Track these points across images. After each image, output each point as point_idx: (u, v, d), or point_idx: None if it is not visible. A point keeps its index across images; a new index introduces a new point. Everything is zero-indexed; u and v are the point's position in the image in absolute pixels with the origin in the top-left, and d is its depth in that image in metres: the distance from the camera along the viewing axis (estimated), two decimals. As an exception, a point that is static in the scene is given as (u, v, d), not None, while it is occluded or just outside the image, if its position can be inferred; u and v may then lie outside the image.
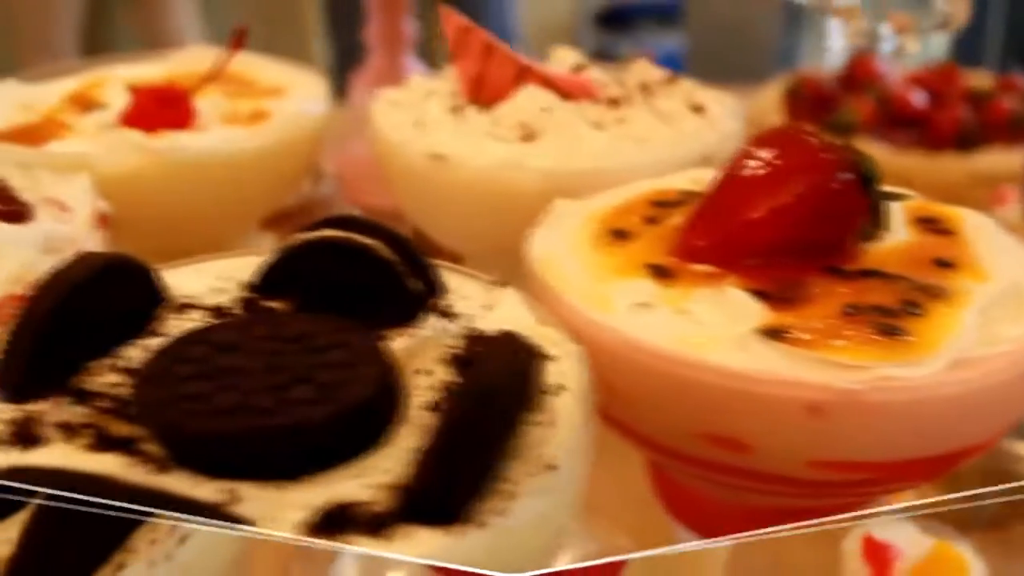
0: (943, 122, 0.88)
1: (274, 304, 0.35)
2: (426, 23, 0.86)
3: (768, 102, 0.96)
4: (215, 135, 0.57)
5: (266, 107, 0.61)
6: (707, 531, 0.44)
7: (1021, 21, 1.48)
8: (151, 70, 0.68)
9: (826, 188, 0.39)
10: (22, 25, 1.68)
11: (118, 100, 0.60)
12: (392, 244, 0.34)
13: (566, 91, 0.56)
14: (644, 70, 0.61)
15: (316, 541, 0.26)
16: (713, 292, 0.38)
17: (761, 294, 0.37)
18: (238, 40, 0.58)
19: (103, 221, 0.47)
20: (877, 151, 0.90)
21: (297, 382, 0.28)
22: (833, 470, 0.36)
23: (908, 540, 0.56)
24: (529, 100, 0.54)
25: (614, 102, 0.57)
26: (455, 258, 0.52)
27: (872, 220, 0.40)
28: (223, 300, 0.35)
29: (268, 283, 0.35)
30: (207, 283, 0.36)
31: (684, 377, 0.35)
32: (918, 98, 0.91)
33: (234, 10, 1.85)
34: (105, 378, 0.31)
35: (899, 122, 0.91)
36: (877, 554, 0.55)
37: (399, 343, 0.32)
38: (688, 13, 2.05)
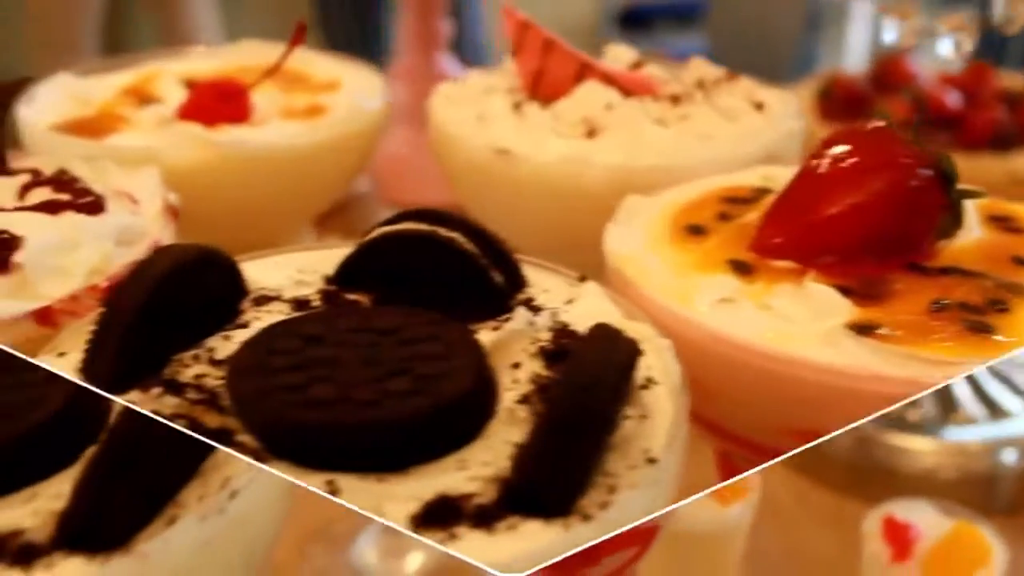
0: (979, 122, 0.88)
1: (355, 297, 0.35)
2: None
3: (801, 102, 0.96)
4: (274, 129, 0.56)
5: (322, 102, 0.61)
6: None
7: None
8: (203, 64, 0.68)
9: (906, 185, 0.39)
10: (41, 23, 1.68)
11: (174, 94, 0.60)
12: (473, 237, 0.34)
13: (627, 88, 0.56)
14: (701, 68, 0.61)
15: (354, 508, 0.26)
16: (795, 288, 0.38)
17: (845, 290, 0.37)
18: (298, 35, 0.58)
19: (173, 213, 0.47)
20: None
21: (394, 374, 0.28)
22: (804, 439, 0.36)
23: (928, 521, 0.57)
24: (591, 96, 0.54)
25: (675, 99, 0.57)
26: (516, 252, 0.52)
27: (951, 218, 0.40)
28: (305, 292, 0.35)
29: (349, 276, 0.35)
30: (287, 275, 0.36)
31: (774, 372, 0.35)
32: (952, 98, 0.91)
33: (252, 9, 1.85)
34: (194, 369, 0.31)
35: (934, 122, 0.91)
36: (897, 534, 0.56)
37: (487, 336, 0.32)
38: (710, 14, 2.04)
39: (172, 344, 0.31)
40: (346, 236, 0.73)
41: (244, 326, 0.33)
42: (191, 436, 0.27)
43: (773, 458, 0.41)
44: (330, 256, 0.37)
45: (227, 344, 0.32)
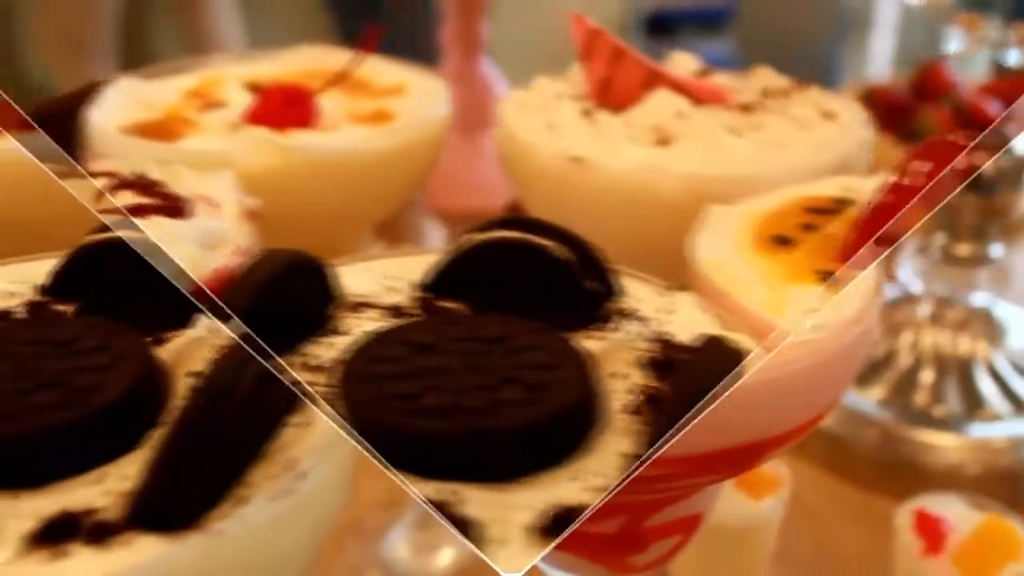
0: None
1: (449, 304, 0.34)
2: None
3: None
4: (343, 134, 0.56)
5: (388, 107, 0.60)
6: None
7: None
8: (266, 68, 0.67)
9: None
10: (53, 26, 1.66)
11: (238, 98, 0.60)
12: (567, 245, 0.34)
13: (698, 96, 0.55)
14: (766, 76, 0.61)
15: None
16: None
17: None
18: (370, 40, 0.59)
19: (252, 217, 0.47)
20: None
21: (505, 383, 0.28)
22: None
23: (959, 514, 0.58)
24: (662, 105, 0.54)
25: (747, 108, 0.56)
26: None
27: None
28: (399, 299, 0.35)
29: (442, 283, 0.35)
30: (376, 281, 0.36)
31: None
32: (993, 107, 0.92)
33: (274, 11, 1.84)
34: (296, 376, 0.30)
35: (975, 130, 0.93)
36: (929, 528, 0.57)
37: (589, 345, 0.32)
38: (740, 21, 2.08)
39: (275, 349, 0.30)
40: (392, 243, 0.72)
41: (341, 333, 0.33)
42: (256, 418, 0.27)
43: None
44: (414, 263, 0.36)
45: (324, 350, 0.32)
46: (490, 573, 0.25)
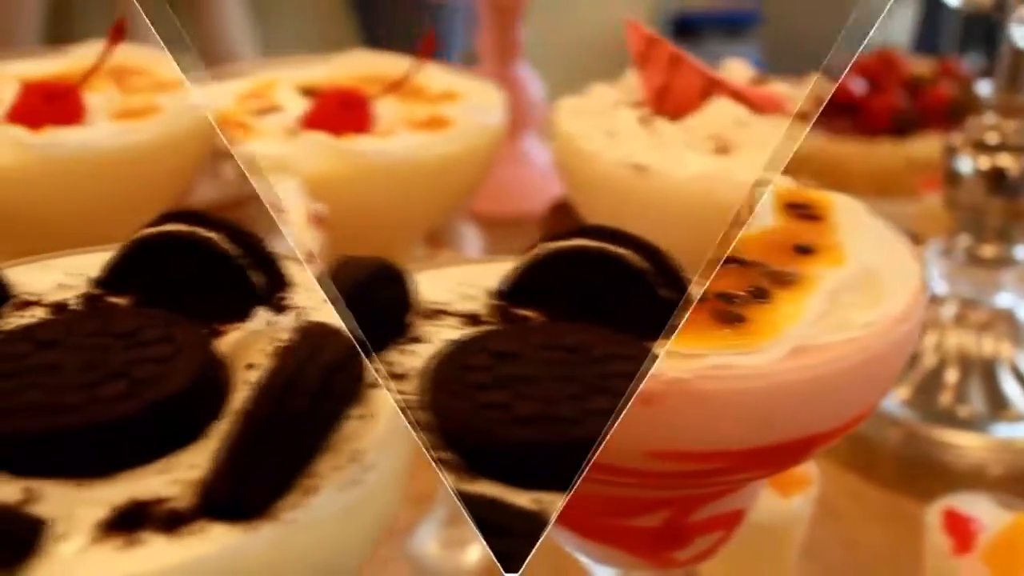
0: (878, 108, 0.88)
1: (526, 312, 0.35)
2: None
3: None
4: (401, 140, 0.57)
5: (444, 113, 0.61)
6: (572, 523, 0.43)
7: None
8: (317, 72, 0.68)
9: None
10: None
11: (294, 103, 0.60)
12: (643, 254, 0.34)
13: (756, 104, 0.55)
14: (820, 85, 0.62)
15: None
16: None
17: None
18: (427, 46, 0.60)
19: (319, 222, 0.47)
20: (812, 138, 0.87)
21: (591, 392, 0.29)
22: (672, 460, 0.35)
23: (988, 513, 0.57)
24: (721, 113, 0.54)
25: (804, 116, 0.57)
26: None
27: None
28: (475, 307, 0.35)
29: (517, 291, 0.35)
30: (451, 289, 0.36)
31: None
32: (856, 85, 0.91)
33: (286, 15, 1.84)
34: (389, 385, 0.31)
35: (837, 109, 0.91)
36: (959, 527, 0.56)
37: (229, 337, 0.32)
38: (765, 24, 2.12)
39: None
40: (432, 247, 0.72)
41: (421, 340, 0.33)
42: (323, 409, 0.28)
43: None
44: (487, 270, 0.37)
45: (406, 358, 0.32)
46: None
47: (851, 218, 0.41)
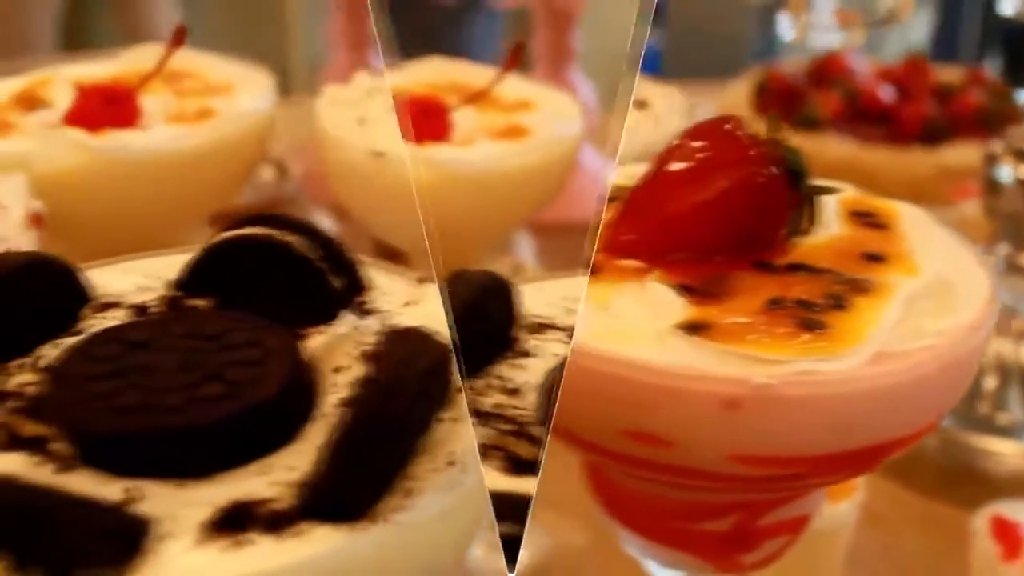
0: (909, 116, 0.89)
1: (198, 303, 0.34)
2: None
3: (737, 97, 0.96)
4: (482, 150, 0.57)
5: (521, 122, 0.61)
6: (640, 526, 0.43)
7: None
8: (98, 69, 0.67)
9: (752, 183, 0.38)
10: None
11: (64, 99, 0.59)
12: (316, 241, 0.34)
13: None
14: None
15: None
16: (637, 287, 0.37)
17: (685, 289, 0.36)
18: (514, 57, 0.61)
19: (36, 221, 0.47)
20: (844, 146, 0.90)
21: (208, 379, 0.28)
22: (754, 465, 0.36)
23: None
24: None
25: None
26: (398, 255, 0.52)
27: (801, 214, 0.39)
28: (147, 298, 0.35)
29: (192, 281, 0.35)
30: (134, 281, 0.36)
31: (605, 373, 0.35)
32: (885, 93, 0.91)
33: (214, 8, 1.85)
34: (22, 377, 0.30)
35: (866, 117, 0.91)
36: (1007, 533, 0.57)
37: (316, 341, 0.32)
38: (667, 10, 2.05)
39: (2, 353, 0.31)
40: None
41: (78, 333, 0.32)
42: (420, 412, 0.28)
43: (617, 461, 0.39)
44: (180, 261, 0.36)
45: (56, 352, 0.31)
46: (558, 573, 0.26)
47: (917, 226, 0.42)
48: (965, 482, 0.72)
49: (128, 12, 1.81)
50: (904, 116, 0.91)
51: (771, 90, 0.97)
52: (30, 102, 0.62)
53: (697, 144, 0.40)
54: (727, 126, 0.40)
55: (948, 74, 1.00)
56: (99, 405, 0.28)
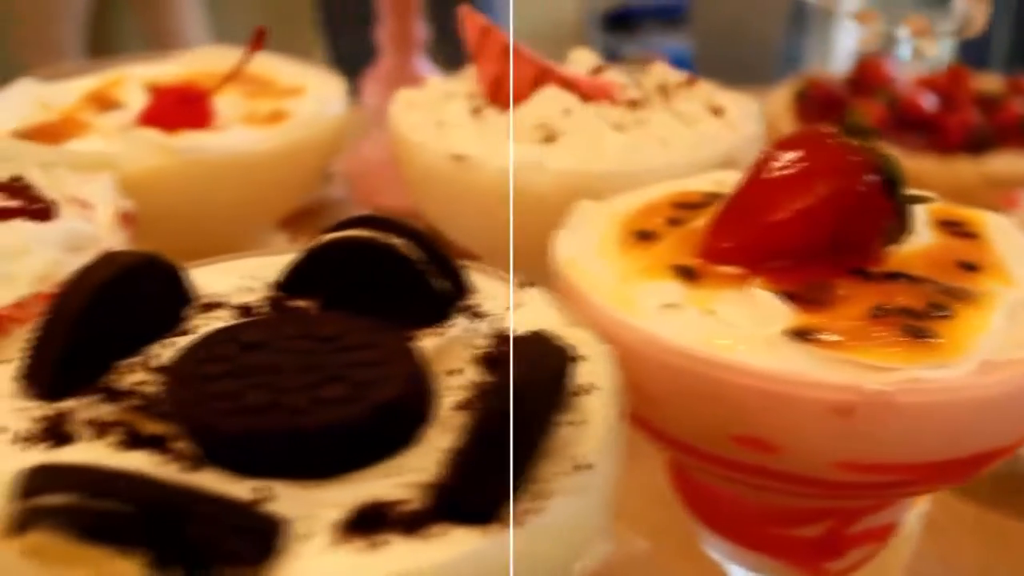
0: (954, 125, 0.86)
1: (301, 303, 0.35)
2: (437, 25, 0.87)
3: (778, 105, 0.95)
4: (233, 135, 0.57)
5: (286, 107, 0.61)
6: (728, 530, 0.43)
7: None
8: (167, 70, 0.69)
9: (852, 191, 0.38)
10: (25, 23, 1.67)
11: (136, 99, 0.61)
12: (418, 243, 0.34)
13: (586, 93, 0.55)
14: (662, 72, 0.62)
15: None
16: (739, 293, 0.37)
17: (788, 295, 0.37)
18: (258, 39, 0.59)
19: (127, 220, 0.47)
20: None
21: (330, 380, 0.28)
22: (860, 472, 0.36)
23: None
24: (549, 102, 0.54)
25: (633, 104, 0.57)
26: (473, 258, 0.52)
27: (897, 223, 0.39)
28: (250, 299, 0.35)
29: (294, 282, 0.35)
30: (234, 282, 0.36)
31: (713, 378, 0.35)
32: (928, 101, 0.90)
33: (239, 10, 1.86)
34: (133, 376, 0.31)
35: (909, 125, 0.89)
36: None
37: (428, 343, 0.32)
38: (693, 15, 2.04)
39: (114, 350, 0.31)
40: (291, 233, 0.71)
41: (184, 333, 0.33)
42: (547, 416, 0.28)
43: (719, 465, 0.39)
44: (278, 263, 0.36)
45: (167, 351, 0.32)
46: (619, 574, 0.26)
47: (1005, 235, 0.42)
48: (1019, 491, 0.72)
49: (154, 13, 1.83)
50: (948, 125, 0.91)
51: (812, 98, 0.97)
52: (103, 102, 0.62)
53: (795, 153, 0.40)
54: (824, 135, 0.40)
55: (987, 83, 1.00)
56: (225, 405, 0.28)
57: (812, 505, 0.40)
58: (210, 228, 0.57)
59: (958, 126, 0.90)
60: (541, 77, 0.55)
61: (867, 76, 0.99)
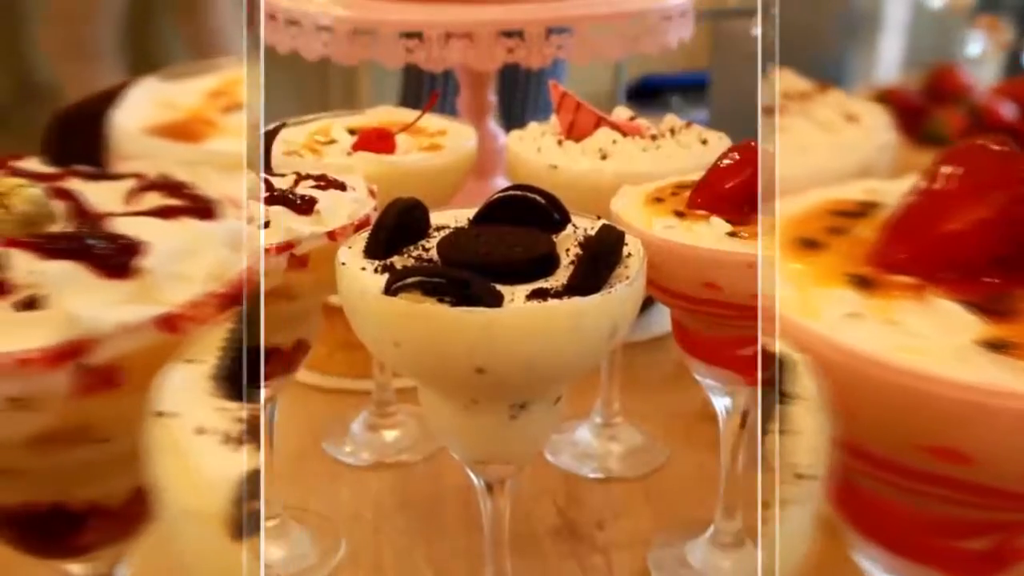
0: None
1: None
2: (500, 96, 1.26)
3: None
4: (412, 157, 0.87)
5: (438, 142, 0.90)
6: (888, 540, 0.43)
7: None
8: (358, 120, 0.96)
9: None
10: (53, 23, 1.70)
11: (343, 137, 0.86)
12: (544, 197, 0.61)
13: (625, 131, 0.88)
14: (671, 120, 0.95)
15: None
16: (919, 304, 0.38)
17: (972, 306, 0.37)
18: (432, 101, 0.91)
19: (372, 194, 0.67)
20: None
21: (513, 247, 0.56)
22: None
23: None
24: (604, 136, 0.87)
25: (653, 137, 0.90)
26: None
27: None
28: (462, 225, 0.62)
29: (488, 215, 0.62)
30: (450, 217, 0.62)
31: (908, 388, 0.35)
32: (1007, 109, 0.91)
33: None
34: (413, 253, 0.57)
35: (990, 134, 0.91)
36: None
37: (552, 236, 0.60)
38: (713, 85, 2.46)
39: (404, 241, 0.58)
40: None
41: (430, 238, 0.60)
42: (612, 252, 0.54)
43: (904, 476, 0.39)
44: (468, 212, 0.63)
45: (429, 245, 0.59)
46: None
47: None
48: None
49: (193, 20, 1.86)
50: (1030, 134, 0.90)
51: (890, 107, 0.97)
52: (227, 103, 0.73)
53: (967, 163, 0.40)
54: (994, 145, 0.41)
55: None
56: (477, 251, 0.56)
57: (983, 517, 0.40)
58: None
59: (1040, 135, 0.89)
60: (598, 123, 0.88)
61: (944, 84, 0.98)
